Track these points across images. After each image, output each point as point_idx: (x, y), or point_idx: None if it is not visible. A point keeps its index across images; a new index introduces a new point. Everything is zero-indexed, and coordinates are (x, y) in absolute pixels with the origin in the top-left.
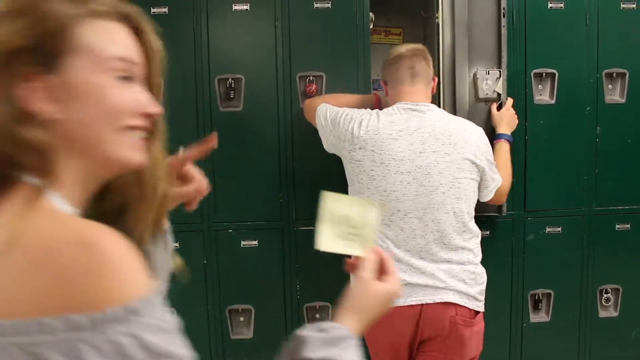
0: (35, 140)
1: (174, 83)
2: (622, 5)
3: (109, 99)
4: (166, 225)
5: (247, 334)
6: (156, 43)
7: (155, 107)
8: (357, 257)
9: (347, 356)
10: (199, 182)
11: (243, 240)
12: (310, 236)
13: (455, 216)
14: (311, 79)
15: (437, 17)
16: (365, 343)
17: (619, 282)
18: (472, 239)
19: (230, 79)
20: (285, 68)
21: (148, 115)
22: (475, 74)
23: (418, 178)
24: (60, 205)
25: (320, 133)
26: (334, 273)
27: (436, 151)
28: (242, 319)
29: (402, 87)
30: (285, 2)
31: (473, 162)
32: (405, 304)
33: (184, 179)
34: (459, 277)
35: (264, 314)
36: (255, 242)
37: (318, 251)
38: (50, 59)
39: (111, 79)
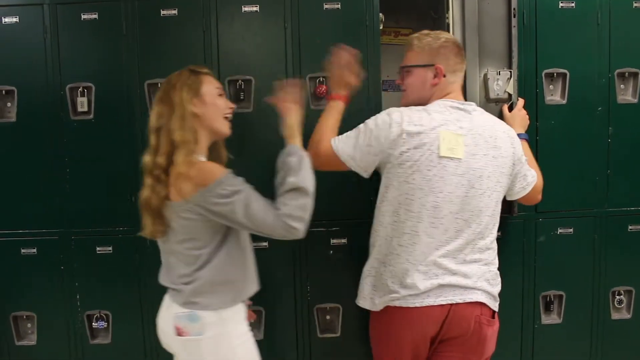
0: (195, 126)
1: None
2: (634, 4)
3: (219, 104)
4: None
5: (258, 335)
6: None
7: (233, 105)
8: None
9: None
10: None
11: (253, 242)
12: (320, 237)
13: (493, 219)
14: (321, 80)
15: (447, 18)
16: (380, 340)
17: (631, 283)
18: (495, 240)
19: (240, 81)
20: (295, 69)
21: (230, 109)
22: (485, 75)
23: (471, 181)
24: (200, 157)
25: (353, 165)
26: (344, 274)
27: (486, 154)
28: (252, 320)
29: (455, 86)
30: (294, 2)
31: (512, 165)
32: (436, 304)
33: None
34: (484, 277)
35: (275, 316)
36: (266, 244)
37: (328, 253)
38: (198, 94)
39: (217, 96)
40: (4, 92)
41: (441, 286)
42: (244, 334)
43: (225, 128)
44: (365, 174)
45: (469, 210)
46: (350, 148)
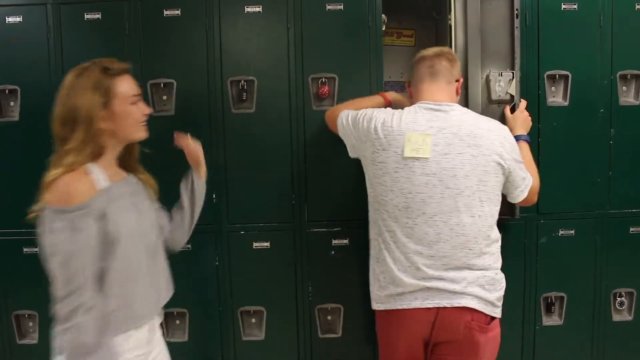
0: (101, 140)
1: (187, 84)
2: (637, 6)
3: (132, 115)
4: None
5: (259, 335)
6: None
7: (148, 110)
8: None
9: None
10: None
11: (255, 242)
12: (322, 238)
13: (480, 220)
14: (323, 80)
15: (450, 19)
16: (380, 341)
17: (633, 285)
18: (494, 244)
19: (242, 81)
20: (298, 70)
21: (147, 114)
22: (488, 76)
23: (444, 180)
24: (93, 169)
25: (343, 138)
26: (346, 275)
27: (462, 153)
28: (253, 320)
29: (422, 86)
30: (297, 3)
31: (499, 164)
32: (422, 307)
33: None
34: (477, 282)
35: (276, 316)
36: (267, 244)
37: (330, 253)
38: (108, 105)
39: (130, 105)
40: (7, 91)
41: (428, 289)
42: None
43: (141, 135)
44: (349, 149)
45: (447, 212)
46: (348, 117)
